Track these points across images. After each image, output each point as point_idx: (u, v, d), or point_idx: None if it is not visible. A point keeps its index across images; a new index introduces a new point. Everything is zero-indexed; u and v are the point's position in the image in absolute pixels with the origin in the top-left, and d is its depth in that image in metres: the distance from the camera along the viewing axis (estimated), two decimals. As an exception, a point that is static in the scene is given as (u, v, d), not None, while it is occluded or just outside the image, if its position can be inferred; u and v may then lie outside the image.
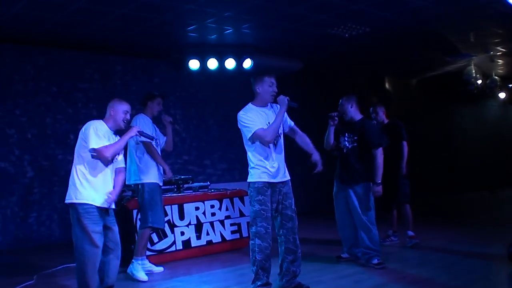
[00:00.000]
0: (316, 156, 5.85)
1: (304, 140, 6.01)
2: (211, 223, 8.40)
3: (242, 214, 8.83)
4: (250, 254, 5.68)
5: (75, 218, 5.44)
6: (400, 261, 7.33)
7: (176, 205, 8.08)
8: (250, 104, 5.90)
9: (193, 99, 12.06)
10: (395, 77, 15.98)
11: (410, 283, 6.07)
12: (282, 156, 5.84)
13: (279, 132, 5.81)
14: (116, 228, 5.65)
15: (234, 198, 8.84)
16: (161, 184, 7.20)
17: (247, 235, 8.77)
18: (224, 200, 8.67)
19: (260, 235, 5.58)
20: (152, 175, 7.03)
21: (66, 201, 5.58)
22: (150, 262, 7.26)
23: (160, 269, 7.24)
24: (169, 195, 8.10)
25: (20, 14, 8.12)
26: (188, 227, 8.08)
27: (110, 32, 9.44)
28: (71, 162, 10.17)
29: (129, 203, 7.64)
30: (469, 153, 18.46)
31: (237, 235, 8.73)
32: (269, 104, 5.93)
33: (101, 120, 5.66)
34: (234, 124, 10.90)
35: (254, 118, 5.70)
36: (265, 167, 5.68)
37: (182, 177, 8.56)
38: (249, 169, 5.82)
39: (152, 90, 7.65)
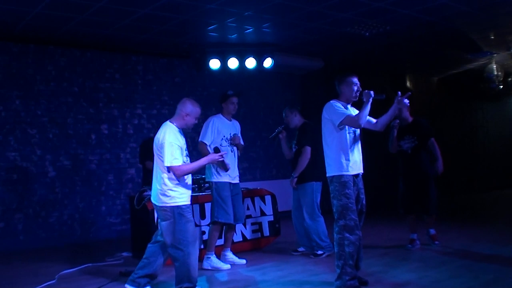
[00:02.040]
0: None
1: (381, 121, 6.00)
2: (232, 222, 8.38)
3: (263, 213, 8.81)
4: (336, 248, 5.68)
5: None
6: (421, 260, 7.29)
7: (197, 205, 8.05)
8: (335, 100, 5.99)
9: (214, 99, 12.01)
10: (416, 75, 15.89)
11: (431, 283, 6.03)
12: (360, 149, 5.96)
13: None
14: None
15: (255, 197, 8.82)
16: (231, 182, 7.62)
17: (268, 234, 8.77)
18: (245, 199, 8.62)
19: (349, 228, 5.64)
20: (223, 175, 7.48)
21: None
22: (233, 253, 7.73)
23: (243, 261, 7.60)
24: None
25: (42, 14, 8.18)
26: (209, 226, 8.04)
27: (131, 32, 9.47)
28: (92, 162, 10.37)
29: (149, 203, 7.61)
30: (491, 151, 18.31)
31: (258, 234, 8.70)
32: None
33: (173, 126, 5.77)
34: (255, 123, 10.92)
35: (343, 108, 5.86)
36: (349, 160, 5.76)
37: (203, 176, 8.54)
38: (328, 162, 5.88)
39: (227, 90, 7.85)
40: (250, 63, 10.99)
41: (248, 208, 8.65)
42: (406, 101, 5.83)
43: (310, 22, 9.41)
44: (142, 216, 7.72)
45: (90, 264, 7.63)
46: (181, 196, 5.68)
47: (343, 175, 5.72)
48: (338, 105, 5.86)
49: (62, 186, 10.02)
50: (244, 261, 7.57)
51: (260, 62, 11.00)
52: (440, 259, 7.33)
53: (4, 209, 9.38)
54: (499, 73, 13.41)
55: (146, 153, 8.96)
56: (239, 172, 7.99)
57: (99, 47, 10.46)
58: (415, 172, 8.06)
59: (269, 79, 12.77)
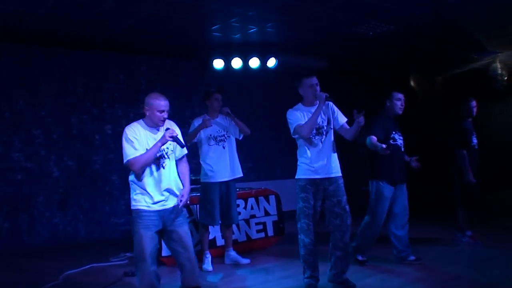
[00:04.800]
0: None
1: (350, 131, 5.88)
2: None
3: (267, 213, 8.81)
4: (299, 248, 5.93)
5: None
6: (431, 259, 7.26)
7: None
8: (299, 104, 6.07)
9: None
10: (420, 75, 15.85)
11: (436, 282, 6.04)
12: (330, 153, 5.89)
13: (328, 128, 5.93)
14: (182, 230, 5.26)
15: (259, 197, 8.82)
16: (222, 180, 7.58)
17: (272, 234, 8.77)
18: (249, 199, 8.65)
19: (303, 230, 5.80)
20: (210, 176, 7.53)
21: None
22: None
23: (247, 261, 7.59)
24: (194, 194, 8.07)
25: (46, 15, 8.18)
26: (213, 226, 8.04)
27: (135, 32, 9.47)
28: (96, 162, 10.39)
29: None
30: (495, 151, 18.22)
31: (262, 234, 8.70)
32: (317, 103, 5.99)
33: (140, 121, 5.58)
34: (259, 123, 10.86)
35: (298, 116, 5.86)
36: (309, 164, 5.81)
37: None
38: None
39: (208, 87, 7.87)
40: (254, 63, 10.97)
41: (252, 208, 8.67)
42: (361, 119, 5.58)
43: (314, 22, 9.40)
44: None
45: (94, 264, 7.65)
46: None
47: (301, 178, 5.85)
48: (293, 114, 5.90)
49: (66, 187, 10.03)
50: (248, 261, 7.56)
51: (263, 62, 10.98)
52: (449, 257, 7.33)
53: (9, 209, 9.39)
54: (503, 72, 13.37)
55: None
56: (243, 172, 7.95)
57: (103, 48, 10.47)
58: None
59: (273, 79, 12.76)
